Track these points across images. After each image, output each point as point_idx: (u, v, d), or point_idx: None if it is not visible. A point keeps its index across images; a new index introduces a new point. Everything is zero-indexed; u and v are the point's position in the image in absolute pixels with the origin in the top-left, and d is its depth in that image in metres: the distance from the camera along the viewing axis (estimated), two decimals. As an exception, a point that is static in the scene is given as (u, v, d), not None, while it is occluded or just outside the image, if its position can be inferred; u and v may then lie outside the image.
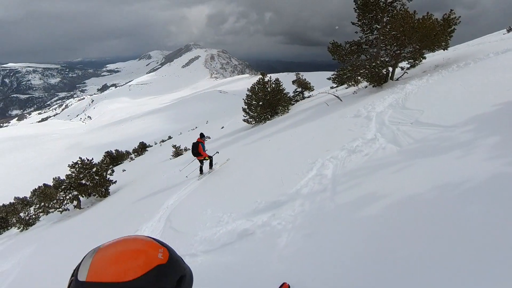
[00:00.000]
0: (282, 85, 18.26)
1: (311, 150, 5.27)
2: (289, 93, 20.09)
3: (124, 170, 22.14)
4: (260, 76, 18.21)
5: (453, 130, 3.30)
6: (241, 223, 3.26)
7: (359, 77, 11.93)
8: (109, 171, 15.48)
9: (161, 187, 8.92)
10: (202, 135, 8.28)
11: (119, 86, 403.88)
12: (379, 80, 9.86)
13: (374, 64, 9.47)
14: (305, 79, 25.56)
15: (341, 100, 10.63)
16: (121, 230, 6.18)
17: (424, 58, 10.26)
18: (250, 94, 17.93)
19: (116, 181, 14.97)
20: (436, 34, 8.52)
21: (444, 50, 9.51)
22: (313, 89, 25.80)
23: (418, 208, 2.06)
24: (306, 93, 25.82)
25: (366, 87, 12.00)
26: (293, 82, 25.31)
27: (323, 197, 3.06)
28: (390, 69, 10.10)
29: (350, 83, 16.05)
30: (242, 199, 4.20)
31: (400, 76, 10.20)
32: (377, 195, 2.56)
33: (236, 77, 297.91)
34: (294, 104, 21.99)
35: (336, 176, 3.51)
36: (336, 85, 24.85)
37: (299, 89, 25.34)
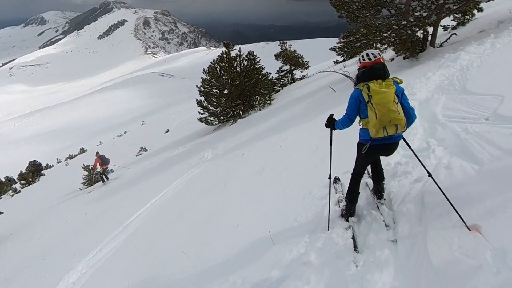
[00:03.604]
0: (259, 61, 18.23)
1: (316, 173, 5.08)
2: (270, 73, 20.15)
3: (0, 213, 20.89)
4: (224, 49, 18.02)
5: None
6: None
7: (379, 44, 12.05)
8: None
9: (59, 245, 8.69)
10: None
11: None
12: (412, 47, 9.99)
13: (404, 22, 9.49)
14: (294, 50, 25.77)
15: (354, 82, 10.83)
16: None
17: (480, 10, 10.48)
18: (209, 78, 17.77)
19: None
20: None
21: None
22: (308, 66, 26.03)
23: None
24: (298, 73, 26.16)
25: (393, 59, 12.25)
26: (276, 56, 25.52)
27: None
28: (430, 30, 10.28)
29: None
30: (203, 276, 3.96)
31: (446, 40, 10.48)
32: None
33: (186, 51, 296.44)
34: (279, 90, 22.17)
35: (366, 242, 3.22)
36: (343, 58, 25.23)
37: (286, 67, 25.57)
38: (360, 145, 3.30)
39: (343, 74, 12.61)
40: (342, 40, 19.10)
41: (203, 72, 18.13)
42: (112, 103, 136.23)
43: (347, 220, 3.53)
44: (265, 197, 5.28)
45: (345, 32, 16.13)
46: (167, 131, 31.21)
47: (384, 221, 3.27)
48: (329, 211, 3.62)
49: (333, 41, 20.54)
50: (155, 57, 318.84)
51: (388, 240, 3.00)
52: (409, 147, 3.37)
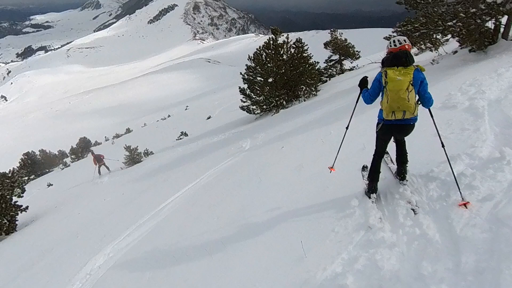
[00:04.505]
0: (307, 49, 17.79)
1: (361, 176, 4.61)
2: (318, 63, 19.76)
3: (50, 185, 22.82)
4: (271, 36, 17.76)
5: None
6: None
7: (441, 35, 11.20)
8: (18, 191, 15.14)
9: (94, 224, 8.98)
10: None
11: (51, 49, 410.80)
12: (480, 39, 9.22)
13: (473, 10, 8.69)
14: (345, 39, 25.19)
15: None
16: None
17: None
18: (253, 65, 17.59)
19: (27, 207, 14.65)
20: None
21: None
22: (359, 57, 25.37)
23: None
24: (347, 63, 25.62)
25: (456, 52, 11.44)
26: (326, 45, 24.99)
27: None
28: (504, 19, 9.38)
29: (423, 46, 15.18)
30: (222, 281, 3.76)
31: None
32: None
33: (235, 37, 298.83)
34: (326, 81, 21.70)
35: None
36: (397, 50, 24.31)
37: (336, 57, 25.02)
38: (377, 124, 3.78)
39: (397, 66, 11.77)
40: (398, 30, 17.84)
41: (247, 59, 18.05)
42: (159, 87, 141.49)
43: (369, 197, 3.91)
44: (302, 198, 4.91)
45: (402, 21, 15.12)
46: (209, 118, 31.79)
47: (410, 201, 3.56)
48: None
49: (387, 32, 19.41)
50: (203, 42, 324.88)
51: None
52: (439, 136, 3.62)
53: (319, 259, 3.33)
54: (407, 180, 3.92)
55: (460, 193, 3.22)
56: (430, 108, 3.65)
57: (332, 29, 26.24)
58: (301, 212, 4.42)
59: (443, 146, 3.52)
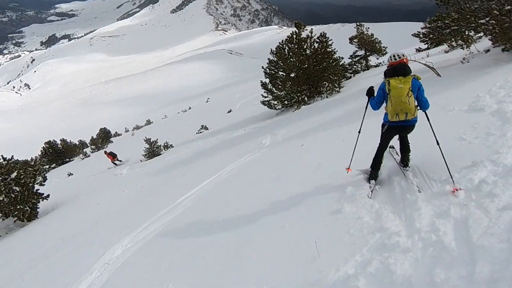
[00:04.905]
0: (331, 44, 17.65)
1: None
2: (342, 58, 19.60)
3: (70, 174, 23.74)
4: (294, 29, 17.70)
5: None
6: None
7: (473, 32, 10.89)
8: (40, 179, 15.64)
9: (112, 216, 9.28)
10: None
11: (74, 38, 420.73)
12: None
13: (508, 7, 8.44)
14: (371, 34, 24.93)
15: (438, 75, 10.24)
16: None
17: None
18: (276, 59, 17.58)
19: (49, 196, 15.11)
20: None
21: None
22: (386, 53, 25.11)
23: None
24: (373, 59, 25.36)
25: (488, 50, 11.11)
26: (351, 39, 24.85)
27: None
28: None
29: (454, 43, 14.80)
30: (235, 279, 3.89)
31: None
32: None
33: (258, 29, 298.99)
34: (350, 77, 21.55)
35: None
36: (426, 46, 23.57)
37: (361, 52, 24.85)
38: (382, 125, 4.56)
39: (425, 64, 11.49)
40: (428, 26, 17.40)
41: (270, 53, 18.07)
42: (180, 77, 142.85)
43: (369, 182, 4.70)
44: (319, 198, 4.95)
45: (432, 16, 14.75)
46: (229, 111, 31.98)
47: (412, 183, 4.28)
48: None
49: (417, 26, 18.97)
50: (225, 33, 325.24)
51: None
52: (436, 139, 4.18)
53: (332, 260, 3.37)
54: (409, 167, 4.67)
55: (452, 180, 3.82)
56: (426, 111, 4.29)
57: (358, 23, 25.91)
58: (318, 212, 4.48)
59: (438, 143, 4.10)
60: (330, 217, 4.22)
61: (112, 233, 7.36)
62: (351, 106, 11.42)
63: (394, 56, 4.35)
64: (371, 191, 4.47)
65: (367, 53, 24.61)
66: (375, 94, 4.58)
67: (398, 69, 4.22)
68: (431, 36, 17.30)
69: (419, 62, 12.74)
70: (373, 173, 4.76)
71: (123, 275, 5.26)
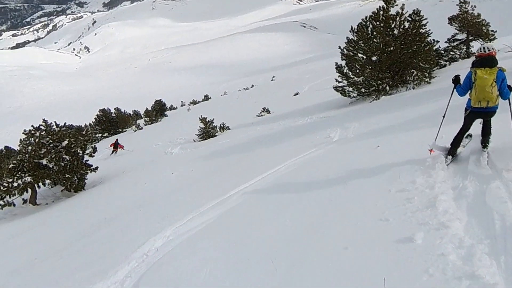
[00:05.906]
0: (425, 24, 16.67)
1: None
2: (437, 42, 18.63)
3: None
4: (382, 4, 16.85)
5: None
6: None
7: None
8: (90, 150, 16.78)
9: (158, 199, 9.68)
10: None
11: (137, 0, 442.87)
12: None
13: None
14: (478, 14, 22.72)
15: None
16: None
17: None
18: (356, 39, 17.04)
19: (97, 168, 16.18)
20: None
21: None
22: (494, 38, 22.64)
23: None
24: (477, 45, 23.03)
25: None
26: (451, 20, 23.01)
27: None
28: None
29: None
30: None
31: None
32: None
33: None
34: (445, 65, 20.41)
35: None
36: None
37: (462, 36, 23.00)
38: (465, 109, 5.55)
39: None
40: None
41: (350, 31, 17.53)
42: (245, 50, 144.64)
43: (446, 157, 5.67)
44: (394, 220, 4.53)
45: None
46: (296, 94, 31.83)
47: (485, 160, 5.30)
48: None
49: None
50: (300, 3, 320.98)
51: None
52: None
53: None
54: (487, 148, 5.53)
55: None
56: (509, 98, 5.15)
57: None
58: (389, 238, 4.10)
59: None
60: (405, 247, 3.82)
61: (155, 220, 7.61)
62: (443, 102, 10.50)
63: (484, 48, 5.22)
64: (448, 164, 5.54)
65: (470, 38, 22.50)
66: (461, 82, 5.49)
67: (486, 60, 5.08)
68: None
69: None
70: (452, 150, 5.74)
71: (160, 272, 5.34)
